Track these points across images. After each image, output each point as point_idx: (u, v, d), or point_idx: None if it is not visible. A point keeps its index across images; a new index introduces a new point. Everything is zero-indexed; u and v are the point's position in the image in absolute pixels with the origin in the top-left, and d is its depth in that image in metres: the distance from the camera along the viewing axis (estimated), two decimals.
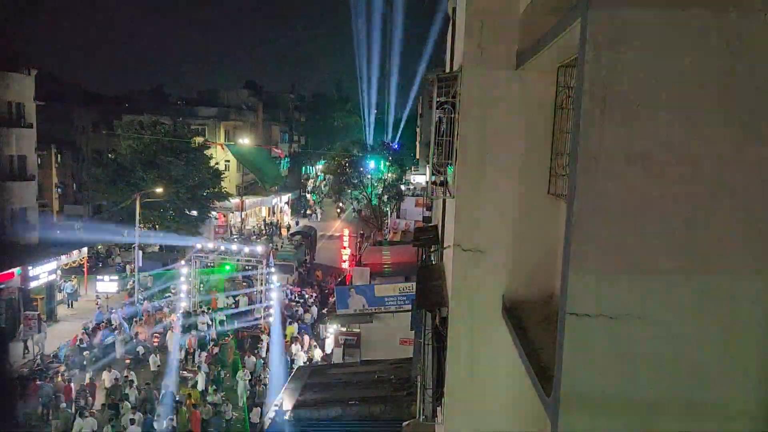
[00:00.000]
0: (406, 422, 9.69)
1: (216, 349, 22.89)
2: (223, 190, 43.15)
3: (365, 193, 43.81)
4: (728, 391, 2.82)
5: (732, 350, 2.81)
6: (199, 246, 30.90)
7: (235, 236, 46.65)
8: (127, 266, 34.64)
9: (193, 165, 39.93)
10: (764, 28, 2.63)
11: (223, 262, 30.63)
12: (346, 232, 37.28)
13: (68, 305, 30.01)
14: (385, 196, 42.17)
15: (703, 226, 2.76)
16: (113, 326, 25.10)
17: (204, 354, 22.48)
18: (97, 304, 28.37)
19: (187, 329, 24.43)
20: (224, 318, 26.43)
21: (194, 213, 40.26)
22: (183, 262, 28.42)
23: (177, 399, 18.54)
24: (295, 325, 25.40)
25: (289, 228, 52.50)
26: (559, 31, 3.43)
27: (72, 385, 19.27)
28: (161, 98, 61.70)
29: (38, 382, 19.05)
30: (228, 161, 50.94)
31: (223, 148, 47.28)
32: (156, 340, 24.37)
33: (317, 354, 22.49)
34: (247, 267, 30.51)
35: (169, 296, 29.50)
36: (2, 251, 26.32)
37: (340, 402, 12.99)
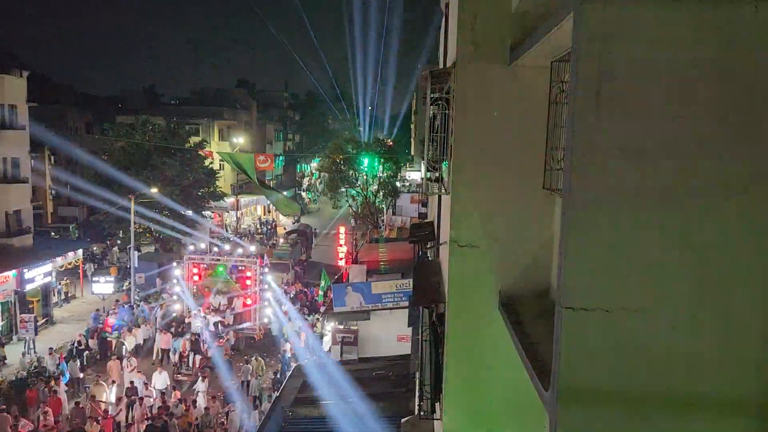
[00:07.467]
0: (405, 418, 9.68)
1: (211, 352, 22.72)
2: (218, 190, 42.97)
3: (361, 191, 43.76)
4: (724, 382, 2.83)
5: (727, 342, 2.82)
6: (191, 248, 30.74)
7: (230, 235, 46.50)
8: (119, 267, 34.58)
9: (188, 165, 39.77)
10: (756, 20, 2.64)
11: (217, 263, 30.53)
12: (342, 230, 37.22)
13: (59, 306, 29.98)
14: (381, 193, 42.10)
15: (697, 219, 2.76)
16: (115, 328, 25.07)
17: (199, 357, 22.33)
18: (114, 305, 28.07)
19: (180, 332, 24.26)
20: (218, 320, 26.30)
21: (189, 213, 40.10)
22: (176, 265, 28.29)
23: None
24: (292, 324, 25.32)
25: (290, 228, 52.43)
26: (552, 25, 3.43)
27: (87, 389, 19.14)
28: (154, 98, 61.50)
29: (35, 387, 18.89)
30: (222, 161, 50.60)
31: (211, 155, 42.56)
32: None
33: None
34: (241, 267, 30.41)
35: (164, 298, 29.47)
36: None
37: (338, 399, 12.99)
